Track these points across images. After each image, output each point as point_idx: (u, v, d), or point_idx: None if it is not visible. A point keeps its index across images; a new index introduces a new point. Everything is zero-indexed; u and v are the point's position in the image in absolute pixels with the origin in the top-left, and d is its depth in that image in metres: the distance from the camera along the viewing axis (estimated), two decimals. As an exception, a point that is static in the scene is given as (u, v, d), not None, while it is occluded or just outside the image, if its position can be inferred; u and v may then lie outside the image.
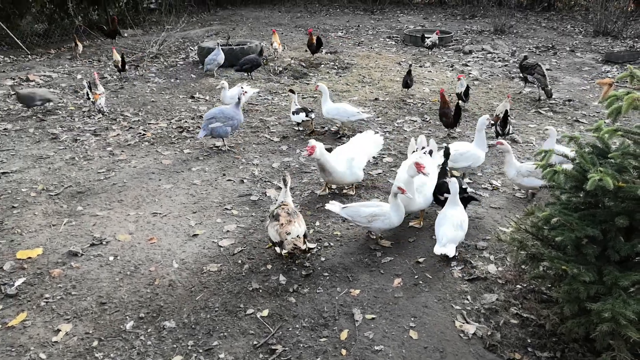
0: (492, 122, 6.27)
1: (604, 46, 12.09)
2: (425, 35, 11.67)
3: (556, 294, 3.02)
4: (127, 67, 9.57)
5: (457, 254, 4.04)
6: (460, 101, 7.53)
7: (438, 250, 3.86)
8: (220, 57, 9.50)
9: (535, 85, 8.29)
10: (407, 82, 8.34)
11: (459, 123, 6.70)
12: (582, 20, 15.18)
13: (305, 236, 3.99)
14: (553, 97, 8.17)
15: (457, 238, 3.94)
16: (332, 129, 7.02)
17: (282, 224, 3.89)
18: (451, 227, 3.94)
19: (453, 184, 4.08)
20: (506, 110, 6.30)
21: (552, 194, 3.34)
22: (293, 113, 6.84)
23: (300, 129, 7.05)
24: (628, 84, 2.69)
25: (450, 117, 6.52)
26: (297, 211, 4.12)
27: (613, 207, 2.77)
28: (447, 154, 4.64)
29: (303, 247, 3.86)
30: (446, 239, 3.89)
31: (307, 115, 6.77)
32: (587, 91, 8.76)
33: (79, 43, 11.06)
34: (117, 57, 9.31)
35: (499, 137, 6.16)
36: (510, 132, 6.33)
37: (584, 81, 9.38)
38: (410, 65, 8.85)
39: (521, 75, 8.69)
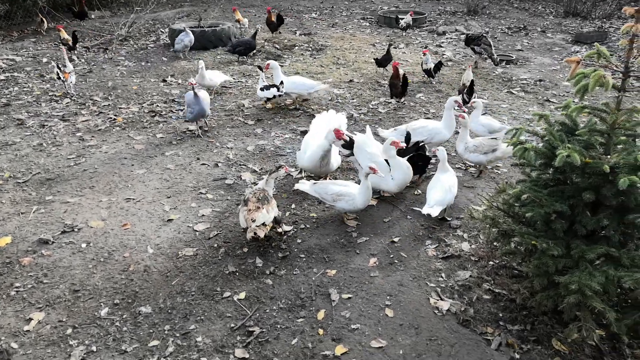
0: (459, 90, 6.85)
1: (574, 27, 12.28)
2: (400, 17, 11.65)
3: (526, 268, 3.10)
4: (77, 45, 9.56)
5: (445, 216, 4.37)
6: (429, 77, 7.95)
7: (425, 210, 4.14)
8: (188, 39, 9.30)
9: (484, 56, 8.79)
10: (383, 63, 8.43)
11: (406, 93, 7.16)
12: (553, 1, 15.35)
13: (278, 222, 3.98)
14: (499, 65, 8.79)
15: (445, 201, 4.20)
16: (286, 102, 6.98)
17: (249, 210, 3.84)
18: (440, 190, 4.23)
19: (441, 151, 4.41)
20: (472, 80, 6.61)
21: (523, 171, 3.40)
22: (262, 89, 6.80)
23: (268, 106, 7.06)
24: (595, 61, 2.74)
25: (399, 87, 7.04)
26: (270, 197, 4.06)
27: (580, 183, 2.85)
28: (407, 139, 4.97)
29: (262, 235, 3.77)
30: (434, 201, 4.16)
31: (279, 90, 6.75)
32: (558, 71, 8.90)
33: (44, 20, 10.75)
34: (65, 35, 9.18)
35: (466, 104, 6.31)
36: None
37: (554, 61, 9.53)
38: (390, 45, 8.88)
39: (470, 47, 9.14)
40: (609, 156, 2.81)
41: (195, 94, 5.90)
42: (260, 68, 7.03)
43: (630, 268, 2.70)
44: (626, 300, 3.02)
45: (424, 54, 7.84)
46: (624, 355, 2.91)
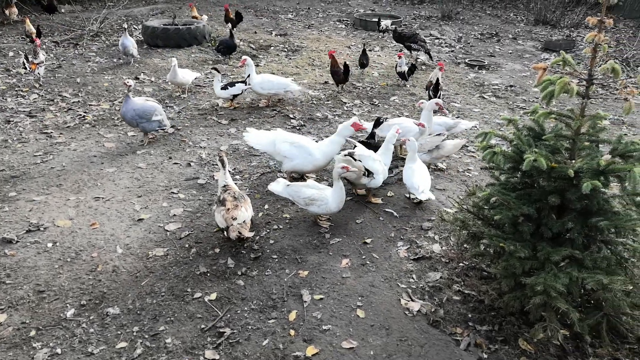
0: (426, 86, 7.22)
1: (544, 34, 12.60)
2: (381, 19, 11.85)
3: (495, 270, 3.16)
4: (42, 37, 9.31)
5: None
6: (403, 80, 8.13)
7: (424, 196, 4.38)
8: (120, 42, 8.52)
9: (421, 51, 9.21)
10: (363, 62, 8.54)
11: (348, 79, 7.63)
12: (524, 9, 15.73)
13: (251, 221, 3.97)
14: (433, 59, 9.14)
15: (429, 184, 4.51)
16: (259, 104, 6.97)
17: (228, 209, 3.82)
18: (420, 177, 4.46)
19: (412, 142, 4.62)
20: (437, 78, 6.82)
21: (492, 174, 3.47)
22: (223, 88, 6.76)
23: (226, 104, 7.04)
24: (561, 68, 2.82)
25: (341, 74, 7.45)
26: (244, 195, 4.08)
27: (546, 187, 2.93)
28: (377, 124, 5.26)
29: (248, 234, 3.78)
30: (423, 186, 4.41)
31: (246, 84, 6.77)
32: (528, 77, 9.12)
33: (13, 6, 10.53)
34: (31, 27, 8.95)
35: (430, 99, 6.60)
36: (440, 97, 6.85)
37: (525, 67, 9.76)
38: (364, 45, 8.96)
39: (406, 45, 9.42)
40: (573, 161, 2.90)
41: (128, 97, 5.47)
42: (216, 69, 6.99)
43: (593, 270, 2.78)
44: (589, 301, 3.12)
45: (399, 57, 7.94)
46: (587, 354, 3.00)
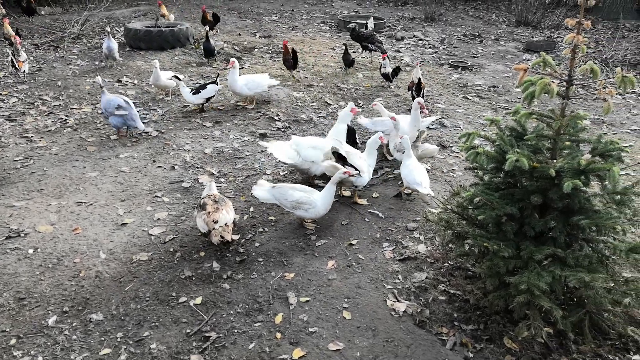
0: (408, 87, 7.37)
1: (525, 35, 12.77)
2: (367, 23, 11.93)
3: (479, 269, 3.19)
4: (20, 39, 9.04)
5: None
6: (387, 81, 8.21)
7: (426, 191, 4.46)
8: (105, 45, 8.42)
9: (378, 51, 9.24)
10: (352, 61, 8.82)
11: (297, 65, 8.37)
12: (506, 10, 15.92)
13: (235, 224, 3.98)
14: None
15: (428, 180, 4.60)
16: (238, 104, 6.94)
17: (208, 212, 3.79)
18: (420, 173, 4.54)
19: (405, 140, 4.70)
20: (419, 77, 6.94)
21: (476, 174, 3.51)
22: (196, 91, 6.67)
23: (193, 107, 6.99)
24: (541, 69, 2.86)
25: (290, 61, 8.22)
26: (225, 198, 4.06)
27: (529, 186, 2.96)
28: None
29: (230, 238, 3.76)
30: (425, 182, 4.50)
31: (217, 84, 6.74)
32: (510, 78, 9.23)
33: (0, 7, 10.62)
34: (10, 30, 8.81)
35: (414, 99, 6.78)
36: (424, 95, 7.06)
37: (507, 68, 9.87)
38: (346, 45, 9.11)
39: (363, 45, 9.48)
40: (555, 161, 2.94)
41: (103, 92, 5.81)
42: (177, 77, 6.93)
43: (575, 268, 2.82)
44: (572, 299, 3.16)
45: (383, 59, 7.98)
46: (570, 351, 3.04)
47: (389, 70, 8.03)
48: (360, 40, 9.52)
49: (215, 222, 3.75)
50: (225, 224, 3.81)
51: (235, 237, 4.10)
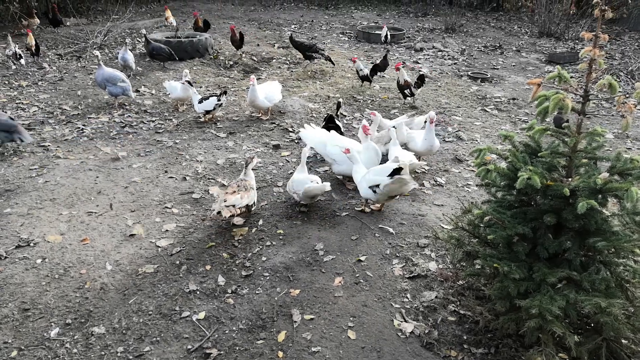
0: (398, 87, 7.69)
1: (548, 47, 12.52)
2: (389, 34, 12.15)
3: (490, 291, 3.05)
4: (40, 51, 9.51)
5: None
6: (366, 81, 8.47)
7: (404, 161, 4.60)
8: (121, 56, 8.56)
9: (322, 59, 9.60)
10: (381, 66, 8.91)
11: (243, 45, 10.04)
12: (528, 21, 15.67)
13: (249, 209, 4.56)
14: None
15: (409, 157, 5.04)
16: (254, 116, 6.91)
17: (226, 192, 4.24)
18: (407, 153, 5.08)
19: (392, 131, 5.16)
20: (422, 74, 7.60)
21: (489, 191, 3.38)
22: (200, 101, 6.69)
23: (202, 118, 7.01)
24: (556, 84, 2.74)
25: (237, 41, 9.84)
26: (250, 187, 4.39)
27: (542, 205, 2.83)
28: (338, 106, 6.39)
29: (225, 214, 4.09)
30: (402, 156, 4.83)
31: (219, 100, 6.68)
32: (531, 90, 9.01)
33: (35, 17, 11.51)
34: (32, 41, 9.15)
35: (408, 97, 7.67)
36: (414, 94, 7.59)
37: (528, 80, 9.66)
38: (387, 51, 9.38)
39: (307, 55, 9.66)
40: (570, 179, 2.80)
41: (100, 65, 6.95)
42: (189, 83, 6.93)
43: (591, 292, 2.67)
44: (588, 324, 3.00)
45: (354, 62, 8.18)
46: (586, 380, 2.87)
47: (367, 71, 8.27)
48: (303, 50, 9.65)
49: (225, 201, 4.15)
50: (233, 205, 4.16)
51: (239, 221, 4.47)
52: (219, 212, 4.13)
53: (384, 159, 5.26)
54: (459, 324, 3.36)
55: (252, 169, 4.58)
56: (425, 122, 5.44)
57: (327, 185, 4.48)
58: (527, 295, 2.83)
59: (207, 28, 11.55)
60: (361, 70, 8.24)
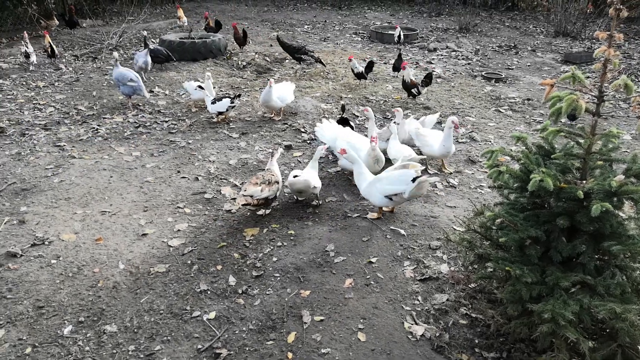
0: (404, 87, 7.83)
1: (564, 46, 12.36)
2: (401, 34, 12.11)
3: (501, 295, 3.02)
4: (56, 53, 9.58)
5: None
6: (361, 79, 8.60)
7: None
8: (142, 60, 8.50)
9: (312, 61, 9.61)
10: (396, 66, 8.96)
11: (247, 42, 10.48)
12: (544, 20, 15.47)
13: (268, 203, 4.49)
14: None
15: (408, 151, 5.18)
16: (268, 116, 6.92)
17: (249, 183, 4.37)
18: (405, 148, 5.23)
19: (393, 127, 5.38)
20: (429, 73, 7.96)
21: (501, 193, 3.34)
22: (213, 102, 6.70)
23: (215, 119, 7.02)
24: (570, 84, 2.69)
25: (241, 38, 10.20)
26: (276, 181, 4.49)
27: (555, 208, 2.78)
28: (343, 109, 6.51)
29: (241, 202, 4.26)
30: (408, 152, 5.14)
31: (232, 102, 6.68)
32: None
33: (54, 18, 11.95)
34: (48, 42, 9.31)
35: (416, 96, 7.83)
36: (421, 92, 7.77)
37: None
38: (400, 50, 9.51)
39: (296, 57, 9.60)
40: (584, 181, 2.76)
41: (116, 65, 7.08)
42: (201, 87, 6.96)
43: (606, 297, 2.63)
44: (603, 330, 2.95)
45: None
46: (600, 386, 2.82)
47: (361, 69, 8.35)
48: (292, 52, 9.55)
49: (245, 190, 4.31)
50: (250, 196, 4.28)
51: (260, 211, 4.66)
52: (236, 198, 4.42)
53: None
54: (470, 328, 3.32)
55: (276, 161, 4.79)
56: (439, 123, 5.41)
57: (311, 182, 4.50)
58: (539, 299, 2.78)
59: (219, 28, 11.64)
60: (356, 67, 8.36)
